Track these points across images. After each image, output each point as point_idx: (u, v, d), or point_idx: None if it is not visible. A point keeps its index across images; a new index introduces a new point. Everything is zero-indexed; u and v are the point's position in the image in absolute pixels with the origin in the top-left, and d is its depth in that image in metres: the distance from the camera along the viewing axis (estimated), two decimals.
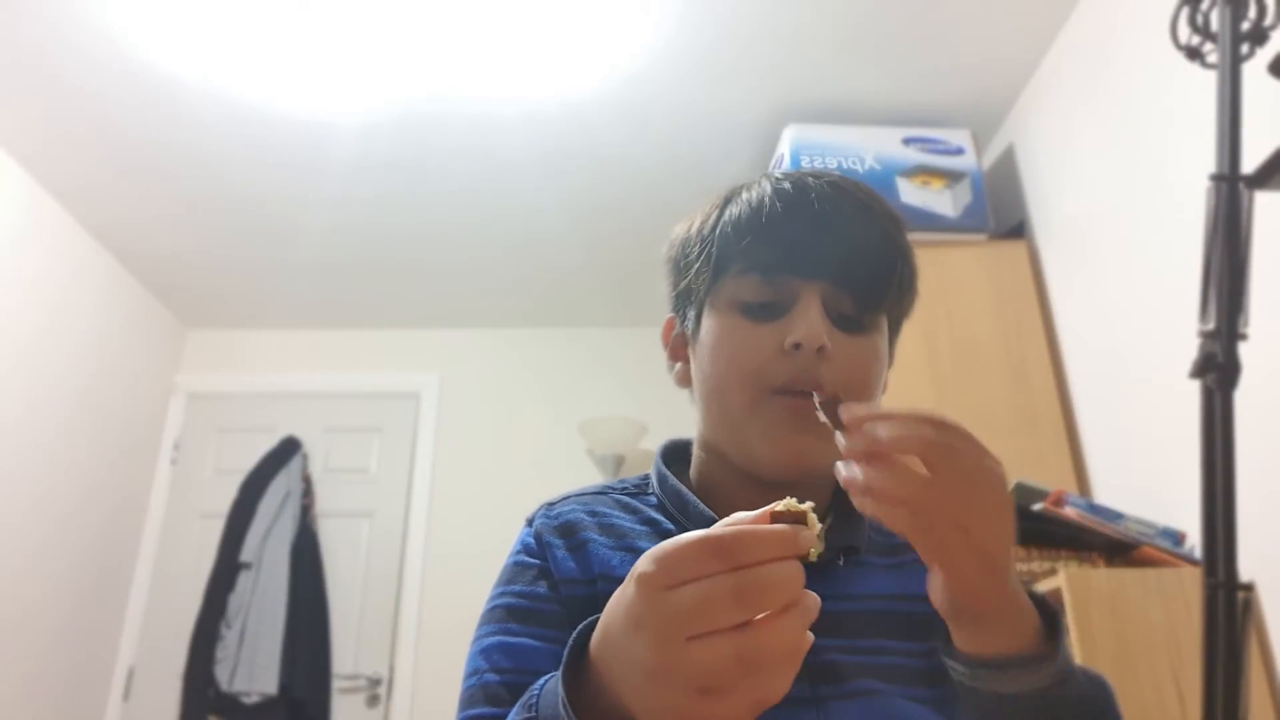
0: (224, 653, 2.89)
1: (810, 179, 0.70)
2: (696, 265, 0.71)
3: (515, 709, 0.53)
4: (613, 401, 3.30)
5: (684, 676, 0.41)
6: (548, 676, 0.52)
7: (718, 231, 0.70)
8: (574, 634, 0.49)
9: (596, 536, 0.69)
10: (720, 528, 0.43)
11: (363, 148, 2.49)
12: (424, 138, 2.45)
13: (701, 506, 0.68)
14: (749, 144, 2.40)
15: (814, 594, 0.43)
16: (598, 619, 0.48)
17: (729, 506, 0.68)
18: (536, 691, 0.52)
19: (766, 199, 0.68)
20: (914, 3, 2.01)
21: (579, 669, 0.48)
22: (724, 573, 0.41)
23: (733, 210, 0.70)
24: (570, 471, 3.09)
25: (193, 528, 3.24)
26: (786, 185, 0.69)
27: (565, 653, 0.48)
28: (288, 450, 3.27)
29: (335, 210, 2.79)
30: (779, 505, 0.45)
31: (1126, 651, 1.39)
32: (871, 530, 0.71)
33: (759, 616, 0.41)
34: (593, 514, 0.72)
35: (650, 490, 0.76)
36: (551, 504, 0.74)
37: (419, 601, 3.14)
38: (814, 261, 0.66)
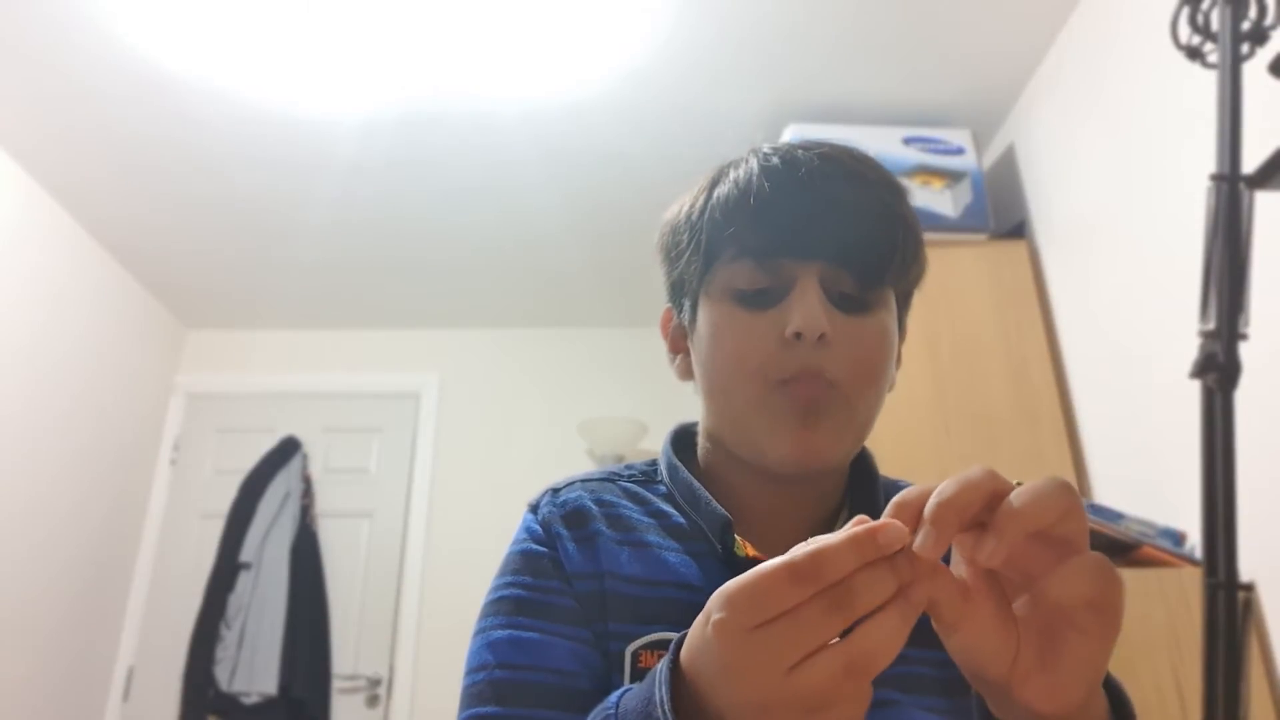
0: (224, 653, 2.89)
1: (800, 152, 0.65)
2: (687, 253, 0.68)
3: None
4: (612, 401, 3.30)
5: (795, 704, 0.39)
6: (624, 690, 0.50)
7: (706, 217, 0.66)
8: (670, 650, 0.46)
9: (605, 529, 0.66)
10: (796, 550, 0.40)
11: (363, 147, 2.49)
12: (424, 137, 2.45)
13: (714, 503, 0.65)
14: (749, 144, 2.40)
15: (921, 584, 0.40)
16: (684, 636, 0.45)
17: (737, 498, 0.67)
18: (612, 709, 0.49)
19: (754, 178, 0.64)
20: (914, 2, 2.01)
21: (676, 682, 0.45)
22: (806, 602, 0.39)
23: (720, 192, 0.66)
24: (569, 472, 3.09)
25: (193, 528, 3.24)
26: (775, 161, 0.65)
27: (666, 673, 0.45)
28: (287, 450, 3.27)
29: (335, 210, 2.79)
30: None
31: (1126, 651, 1.39)
32: None
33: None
34: (600, 503, 0.69)
35: (659, 479, 0.73)
36: (556, 490, 0.71)
37: (419, 601, 3.14)
38: (808, 241, 0.63)
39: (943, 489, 0.41)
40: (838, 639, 0.40)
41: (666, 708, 0.44)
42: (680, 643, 0.45)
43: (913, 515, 0.41)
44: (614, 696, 0.50)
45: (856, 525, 0.41)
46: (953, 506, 0.40)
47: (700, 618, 0.43)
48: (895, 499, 0.42)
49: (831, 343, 0.62)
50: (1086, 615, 0.42)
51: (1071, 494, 0.41)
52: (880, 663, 0.39)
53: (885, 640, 0.39)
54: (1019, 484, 0.42)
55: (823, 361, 0.62)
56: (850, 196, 0.64)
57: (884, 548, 0.39)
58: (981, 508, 0.41)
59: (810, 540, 0.41)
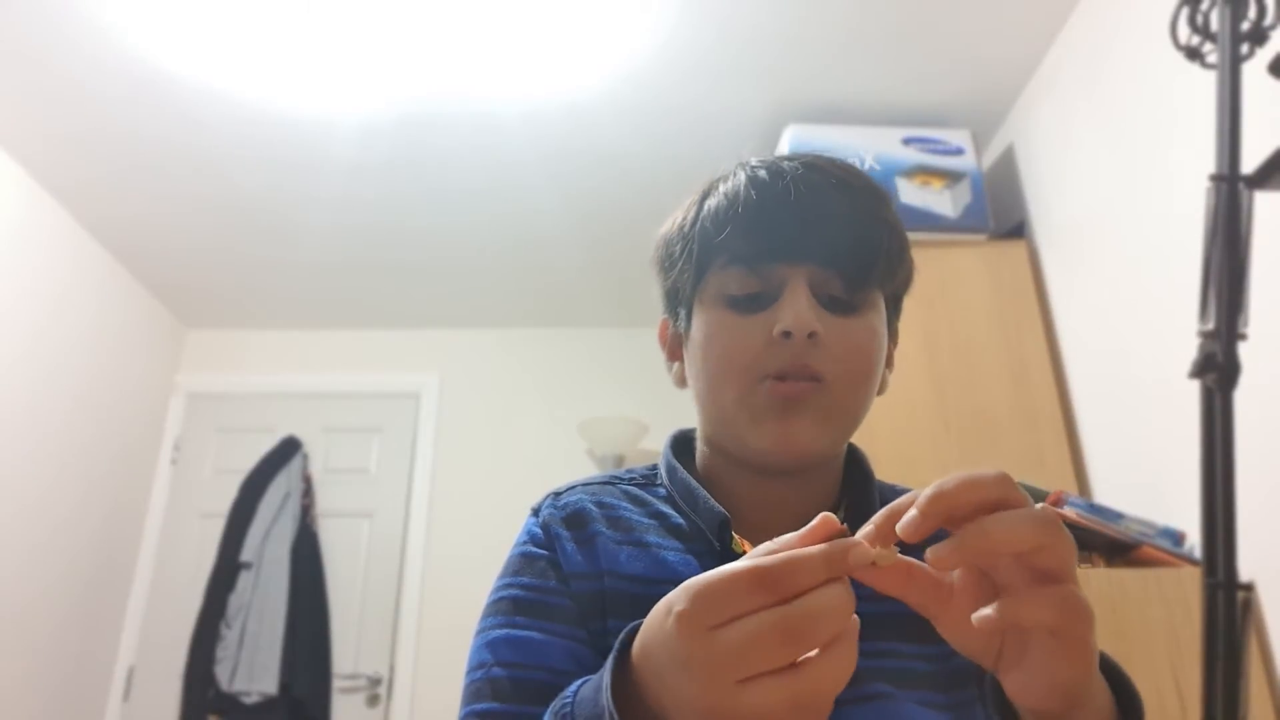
0: (224, 652, 2.89)
1: (785, 163, 0.68)
2: (680, 263, 0.70)
3: (547, 715, 0.51)
4: (613, 401, 3.30)
5: (736, 718, 0.39)
6: (582, 680, 0.50)
7: (697, 227, 0.69)
8: (618, 642, 0.47)
9: (605, 530, 0.68)
10: (762, 553, 0.41)
11: (363, 147, 2.49)
12: (424, 138, 2.45)
13: (711, 501, 0.67)
14: (749, 144, 2.40)
15: (855, 617, 0.41)
16: (639, 625, 0.46)
17: (735, 500, 0.68)
18: (570, 699, 0.50)
19: (742, 189, 0.67)
20: (914, 2, 2.01)
21: (622, 675, 0.46)
22: (769, 607, 0.39)
23: (710, 204, 0.69)
24: (570, 472, 3.07)
25: (193, 528, 3.24)
26: (761, 172, 0.68)
27: (610, 663, 0.46)
28: (288, 450, 3.27)
29: (335, 210, 2.79)
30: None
31: (1126, 651, 1.39)
32: None
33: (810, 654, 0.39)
34: (600, 505, 0.70)
35: (659, 481, 0.74)
36: (558, 493, 0.73)
37: (419, 601, 3.14)
38: (796, 245, 0.65)
39: (945, 482, 0.42)
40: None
41: (608, 695, 0.44)
42: (633, 631, 0.46)
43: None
44: (574, 685, 0.51)
45: (822, 525, 0.42)
46: (945, 501, 0.41)
47: (661, 606, 0.43)
48: (891, 505, 0.43)
49: (821, 341, 0.63)
50: (1048, 640, 0.43)
51: (1051, 531, 0.41)
52: (827, 699, 0.39)
53: (835, 676, 0.39)
54: (1046, 492, 0.42)
55: (812, 359, 0.63)
56: (836, 202, 0.66)
57: (854, 566, 0.40)
58: (976, 511, 0.42)
59: (780, 539, 0.41)
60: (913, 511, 0.41)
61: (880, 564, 0.42)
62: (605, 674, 0.46)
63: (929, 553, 0.42)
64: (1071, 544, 0.42)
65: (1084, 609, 0.42)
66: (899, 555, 0.43)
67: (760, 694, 0.39)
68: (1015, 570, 0.43)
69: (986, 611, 0.42)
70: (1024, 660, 0.44)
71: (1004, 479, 0.42)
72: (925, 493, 0.42)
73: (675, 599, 0.41)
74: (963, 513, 0.42)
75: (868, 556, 0.40)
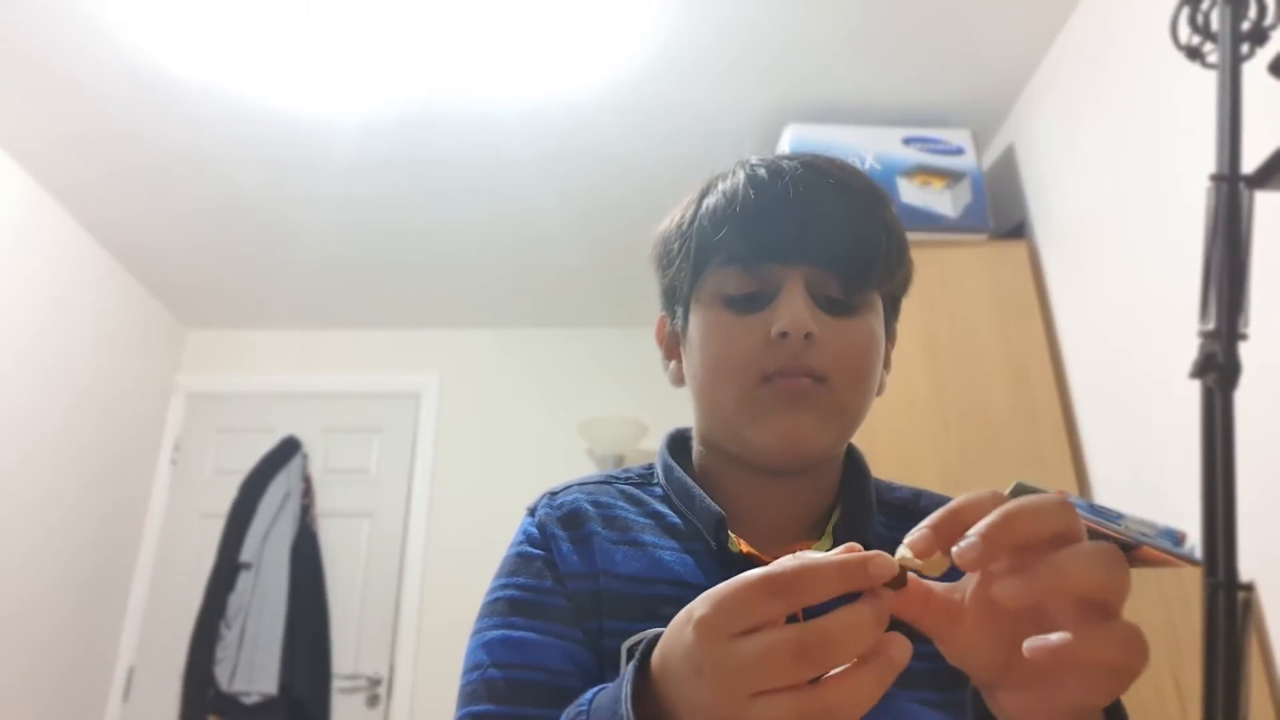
0: (224, 653, 2.89)
1: (785, 162, 0.68)
2: (678, 261, 0.70)
3: None
4: (613, 401, 3.30)
5: None
6: (598, 688, 0.50)
7: (695, 226, 0.69)
8: (639, 651, 0.46)
9: (600, 530, 0.67)
10: (780, 562, 0.40)
11: (363, 147, 2.49)
12: (424, 137, 2.45)
13: (708, 500, 0.66)
14: (749, 144, 2.40)
15: (902, 640, 0.39)
16: (659, 635, 0.45)
17: (732, 498, 0.68)
18: (585, 706, 0.49)
19: (740, 188, 0.66)
20: (914, 3, 2.01)
21: (641, 685, 0.45)
22: (786, 620, 0.38)
23: (709, 202, 0.69)
24: (570, 472, 3.06)
25: (193, 528, 3.24)
26: (761, 171, 0.67)
27: (630, 672, 0.45)
28: (288, 450, 3.27)
29: (335, 209, 2.79)
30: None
31: None
32: (880, 526, 0.69)
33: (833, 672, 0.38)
34: (596, 504, 0.70)
35: (655, 481, 0.74)
36: (554, 493, 0.72)
37: (419, 601, 3.14)
38: (793, 246, 0.65)
39: (1011, 511, 0.39)
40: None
41: (628, 705, 0.44)
42: (653, 641, 0.45)
43: (962, 527, 0.40)
44: (589, 693, 0.50)
45: (846, 551, 0.41)
46: (1011, 532, 0.39)
47: (682, 615, 0.42)
48: (951, 508, 0.41)
49: (818, 342, 0.63)
50: (1102, 675, 0.41)
51: (1117, 568, 0.40)
52: (841, 718, 0.38)
53: (853, 699, 0.38)
54: (1095, 507, 0.40)
55: (809, 359, 0.63)
56: (834, 203, 0.66)
57: (873, 578, 0.39)
58: (1039, 543, 0.40)
59: (798, 554, 0.40)
60: (976, 539, 0.39)
61: (926, 571, 0.40)
62: (625, 684, 0.45)
63: (996, 588, 0.40)
64: (1129, 578, 0.41)
65: (1146, 648, 0.40)
66: (916, 562, 0.40)
67: (771, 709, 0.38)
68: (1063, 600, 0.41)
69: (1045, 643, 0.39)
70: (1044, 683, 0.42)
71: (1066, 507, 0.40)
72: (988, 520, 0.39)
73: (696, 605, 0.41)
74: (1024, 543, 0.40)
75: (888, 568, 0.39)
